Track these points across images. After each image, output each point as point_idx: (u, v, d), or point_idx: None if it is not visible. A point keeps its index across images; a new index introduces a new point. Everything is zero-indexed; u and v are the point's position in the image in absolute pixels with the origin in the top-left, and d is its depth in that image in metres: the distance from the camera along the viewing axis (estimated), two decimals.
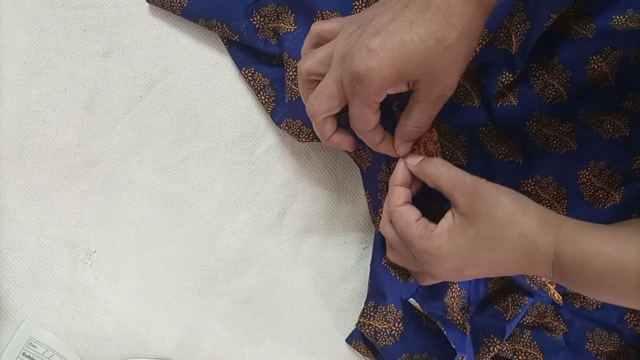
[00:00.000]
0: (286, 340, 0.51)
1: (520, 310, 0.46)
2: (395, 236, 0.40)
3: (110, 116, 0.48)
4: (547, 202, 0.47)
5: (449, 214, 0.37)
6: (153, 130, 0.48)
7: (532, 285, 0.46)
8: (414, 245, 0.37)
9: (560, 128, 0.46)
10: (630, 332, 0.48)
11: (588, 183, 0.46)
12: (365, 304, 0.47)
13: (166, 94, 0.48)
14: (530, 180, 0.47)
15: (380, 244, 0.47)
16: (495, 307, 0.47)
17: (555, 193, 0.47)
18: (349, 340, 0.50)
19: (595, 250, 0.34)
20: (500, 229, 0.35)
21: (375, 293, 0.47)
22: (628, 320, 0.49)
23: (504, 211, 0.36)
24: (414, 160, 0.40)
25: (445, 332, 0.44)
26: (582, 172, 0.46)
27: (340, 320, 0.51)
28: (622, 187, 0.45)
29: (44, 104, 0.47)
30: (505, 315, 0.46)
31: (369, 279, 0.48)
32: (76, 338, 0.48)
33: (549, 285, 0.47)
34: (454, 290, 0.47)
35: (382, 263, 0.47)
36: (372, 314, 0.47)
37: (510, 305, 0.47)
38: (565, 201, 0.46)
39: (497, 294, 0.47)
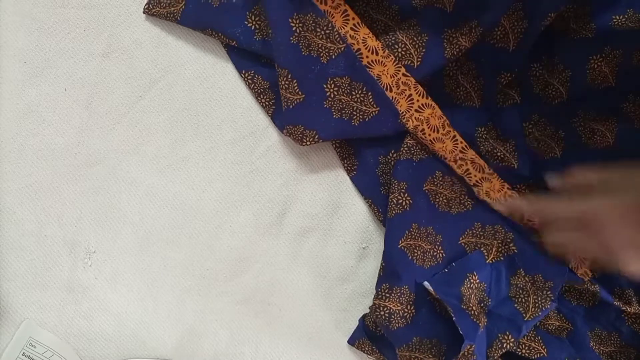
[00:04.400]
0: (286, 340, 0.51)
1: (540, 313, 0.46)
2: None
3: (110, 116, 0.48)
4: None
5: None
6: (153, 130, 0.48)
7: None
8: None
9: (556, 135, 0.47)
10: (629, 330, 0.48)
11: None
12: (379, 286, 0.48)
13: (166, 94, 0.48)
14: (522, 184, 0.48)
15: (396, 227, 0.48)
16: (515, 305, 0.47)
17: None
18: (351, 342, 0.50)
19: None
20: None
21: (390, 275, 0.47)
22: (626, 318, 0.49)
23: None
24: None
25: (454, 319, 0.44)
26: None
27: (341, 321, 0.51)
28: None
29: (43, 104, 0.47)
30: (524, 315, 0.47)
31: (383, 261, 0.48)
32: (76, 338, 0.48)
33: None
34: (472, 281, 0.47)
35: (399, 246, 0.47)
36: (387, 295, 0.47)
37: (531, 306, 0.47)
38: None
39: (520, 293, 0.47)
